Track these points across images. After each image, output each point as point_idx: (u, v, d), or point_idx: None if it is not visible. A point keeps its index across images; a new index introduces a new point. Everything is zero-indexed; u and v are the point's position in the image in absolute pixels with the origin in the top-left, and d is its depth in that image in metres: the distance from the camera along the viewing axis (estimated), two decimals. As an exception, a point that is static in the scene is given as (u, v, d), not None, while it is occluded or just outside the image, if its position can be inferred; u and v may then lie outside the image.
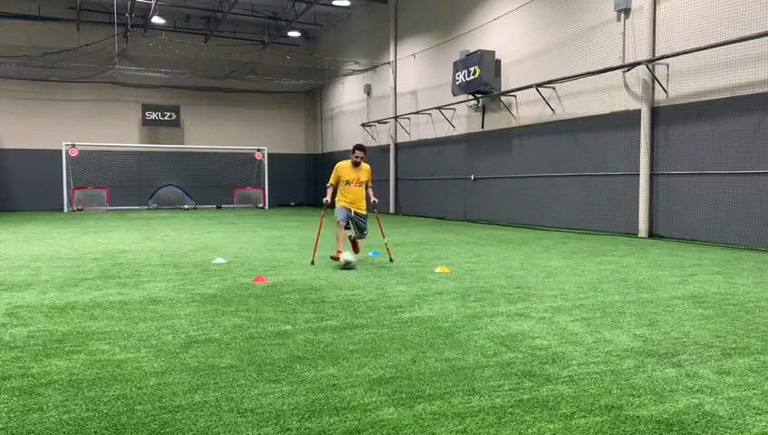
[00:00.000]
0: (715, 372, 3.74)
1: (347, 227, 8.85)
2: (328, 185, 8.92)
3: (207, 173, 28.62)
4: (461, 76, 17.19)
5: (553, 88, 14.84)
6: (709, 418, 3.05)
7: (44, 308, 5.76)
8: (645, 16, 12.28)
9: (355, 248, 9.11)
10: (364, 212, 8.96)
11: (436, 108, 19.56)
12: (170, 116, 27.83)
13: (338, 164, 8.93)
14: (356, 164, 8.85)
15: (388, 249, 9.49)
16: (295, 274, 7.89)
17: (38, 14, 24.22)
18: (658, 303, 5.90)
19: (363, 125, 25.00)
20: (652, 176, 12.39)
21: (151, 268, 8.45)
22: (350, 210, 8.82)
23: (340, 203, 8.88)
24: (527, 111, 15.95)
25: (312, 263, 8.85)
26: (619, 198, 13.20)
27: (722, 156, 11.02)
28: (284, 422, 3.01)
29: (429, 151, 20.69)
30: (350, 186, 8.83)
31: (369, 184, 9.06)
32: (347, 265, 8.27)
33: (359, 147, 8.89)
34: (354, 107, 26.40)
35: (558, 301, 6.02)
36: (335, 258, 8.70)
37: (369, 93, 24.82)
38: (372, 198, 9.04)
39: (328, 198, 8.84)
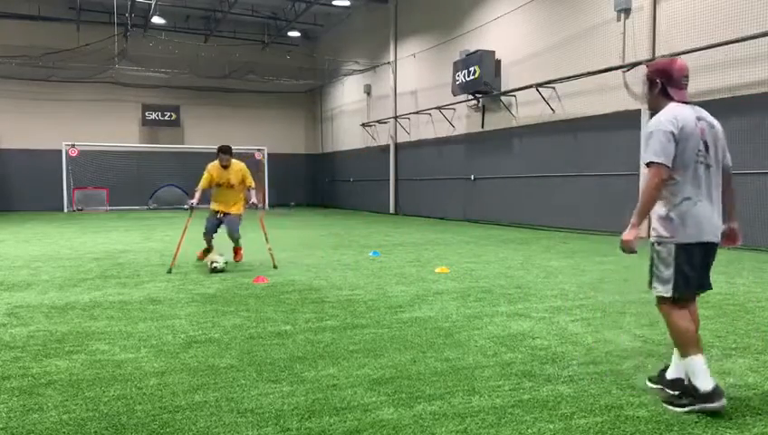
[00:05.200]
0: (715, 372, 3.73)
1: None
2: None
3: (207, 173, 28.56)
4: (461, 76, 17.18)
5: (553, 88, 14.84)
6: (709, 418, 3.05)
7: (44, 308, 5.76)
8: (645, 16, 12.28)
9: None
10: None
11: (436, 108, 19.55)
12: (170, 116, 27.80)
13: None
14: (225, 167, 8.46)
15: (271, 255, 8.67)
16: (295, 274, 7.89)
17: (38, 14, 24.20)
18: (658, 303, 5.90)
19: (363, 125, 24.99)
20: (652, 176, 12.37)
21: (151, 268, 8.44)
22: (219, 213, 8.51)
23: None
24: (527, 111, 15.94)
25: (170, 271, 8.05)
26: (619, 198, 13.19)
27: (722, 156, 11.01)
28: (284, 422, 3.01)
29: (429, 151, 20.68)
30: (222, 187, 8.49)
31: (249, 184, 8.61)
32: (214, 269, 7.85)
33: (223, 149, 8.46)
34: (354, 107, 26.40)
35: (558, 301, 6.02)
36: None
37: (369, 93, 24.81)
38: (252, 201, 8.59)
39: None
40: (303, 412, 3.13)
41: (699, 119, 3.24)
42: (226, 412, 3.14)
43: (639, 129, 12.45)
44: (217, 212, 8.55)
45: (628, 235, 3.20)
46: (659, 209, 3.24)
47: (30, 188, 25.93)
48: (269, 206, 28.94)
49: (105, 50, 22.95)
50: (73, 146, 25.68)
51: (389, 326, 4.97)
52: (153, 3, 21.48)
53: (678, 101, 3.26)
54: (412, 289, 6.70)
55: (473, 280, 7.31)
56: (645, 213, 3.19)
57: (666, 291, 3.21)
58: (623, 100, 13.01)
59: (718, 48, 10.77)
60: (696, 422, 2.99)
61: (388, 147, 23.37)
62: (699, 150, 3.18)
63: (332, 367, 3.88)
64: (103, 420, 3.05)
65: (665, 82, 3.29)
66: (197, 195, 8.44)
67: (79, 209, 25.68)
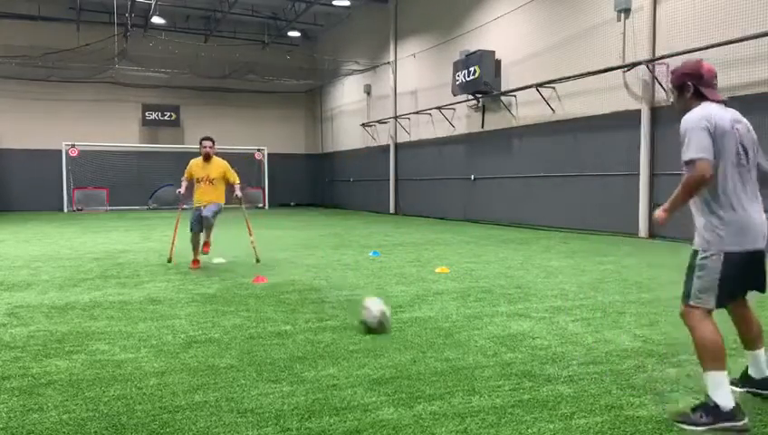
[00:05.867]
0: (715, 372, 3.73)
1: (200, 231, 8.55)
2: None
3: (207, 173, 28.55)
4: (461, 76, 17.18)
5: (553, 88, 14.84)
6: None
7: (44, 308, 5.76)
8: (645, 16, 12.28)
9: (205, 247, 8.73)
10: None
11: (436, 108, 19.55)
12: (170, 116, 27.79)
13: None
14: (206, 158, 8.52)
15: (254, 248, 8.91)
16: (295, 274, 7.89)
17: (38, 14, 24.20)
18: (659, 303, 5.91)
19: (363, 125, 24.99)
20: (652, 176, 12.39)
21: (151, 268, 8.44)
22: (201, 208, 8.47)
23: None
24: (527, 111, 15.94)
25: (170, 260, 8.77)
26: (619, 198, 13.19)
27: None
28: (284, 422, 3.01)
29: (429, 151, 20.68)
30: (201, 184, 8.52)
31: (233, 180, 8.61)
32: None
33: (204, 137, 8.60)
34: (354, 107, 26.39)
35: (558, 301, 6.02)
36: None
37: (369, 93, 24.80)
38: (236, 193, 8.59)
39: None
40: (303, 412, 3.13)
41: (735, 121, 3.12)
42: (226, 412, 3.14)
43: (639, 129, 12.46)
44: (199, 208, 8.55)
45: (659, 214, 3.20)
46: (703, 220, 3.09)
47: (30, 188, 25.91)
48: (268, 206, 28.95)
49: (105, 50, 22.94)
50: (73, 146, 25.68)
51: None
52: (153, 3, 21.47)
53: (713, 101, 3.14)
54: (412, 289, 6.70)
55: (473, 280, 7.31)
56: (677, 204, 3.08)
57: (706, 302, 3.03)
58: (623, 100, 13.01)
59: (718, 48, 10.77)
60: (696, 422, 2.99)
61: (388, 147, 23.37)
62: (739, 153, 3.06)
63: (332, 367, 3.88)
64: (103, 420, 3.05)
65: (696, 83, 3.17)
66: (184, 184, 8.68)
67: (79, 209, 25.68)
